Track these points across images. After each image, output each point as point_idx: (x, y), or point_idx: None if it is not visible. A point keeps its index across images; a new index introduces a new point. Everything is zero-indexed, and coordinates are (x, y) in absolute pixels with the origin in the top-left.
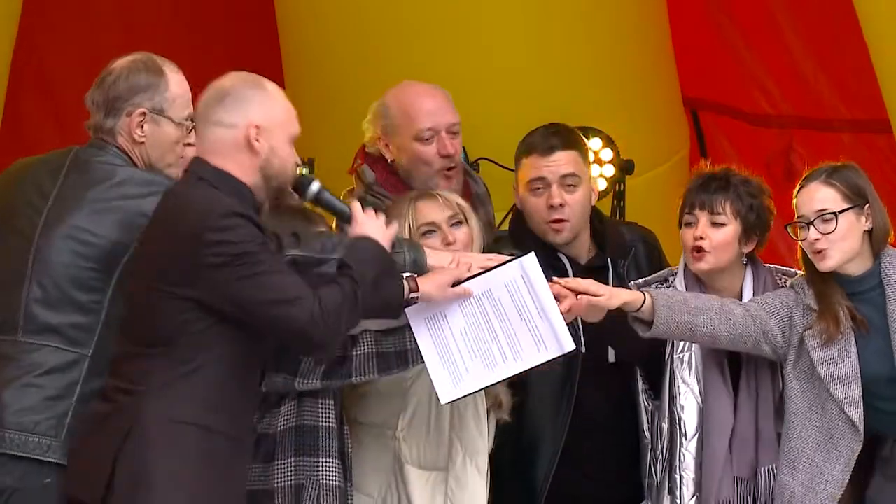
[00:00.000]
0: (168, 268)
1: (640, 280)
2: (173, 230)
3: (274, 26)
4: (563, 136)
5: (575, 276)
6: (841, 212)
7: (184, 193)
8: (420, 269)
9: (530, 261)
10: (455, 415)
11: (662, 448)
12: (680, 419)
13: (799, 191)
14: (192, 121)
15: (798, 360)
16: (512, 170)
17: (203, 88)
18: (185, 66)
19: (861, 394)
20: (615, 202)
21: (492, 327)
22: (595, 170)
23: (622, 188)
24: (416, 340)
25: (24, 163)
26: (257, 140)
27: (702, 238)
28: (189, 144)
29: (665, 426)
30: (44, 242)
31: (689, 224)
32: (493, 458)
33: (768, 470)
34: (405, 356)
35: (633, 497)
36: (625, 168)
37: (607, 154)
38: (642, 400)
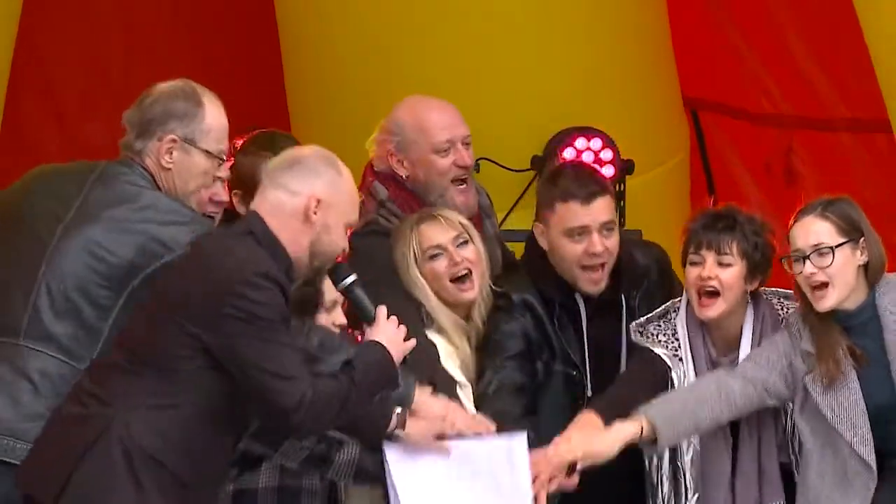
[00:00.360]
0: (190, 303)
1: (643, 319)
2: (209, 272)
3: (274, 26)
4: (599, 181)
5: (588, 313)
6: (837, 246)
7: (229, 241)
8: (406, 403)
9: (520, 443)
10: None
11: (664, 497)
12: (684, 473)
13: (794, 224)
14: (224, 155)
15: (805, 404)
16: (512, 170)
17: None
18: (185, 66)
19: (870, 432)
20: (615, 203)
21: (459, 491)
22: None
23: (622, 189)
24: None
25: (43, 170)
26: (315, 212)
27: (710, 278)
28: (218, 178)
29: (666, 479)
30: (59, 251)
31: (695, 263)
32: None
33: None
34: (381, 478)
35: None
36: (625, 168)
37: (607, 154)
38: None
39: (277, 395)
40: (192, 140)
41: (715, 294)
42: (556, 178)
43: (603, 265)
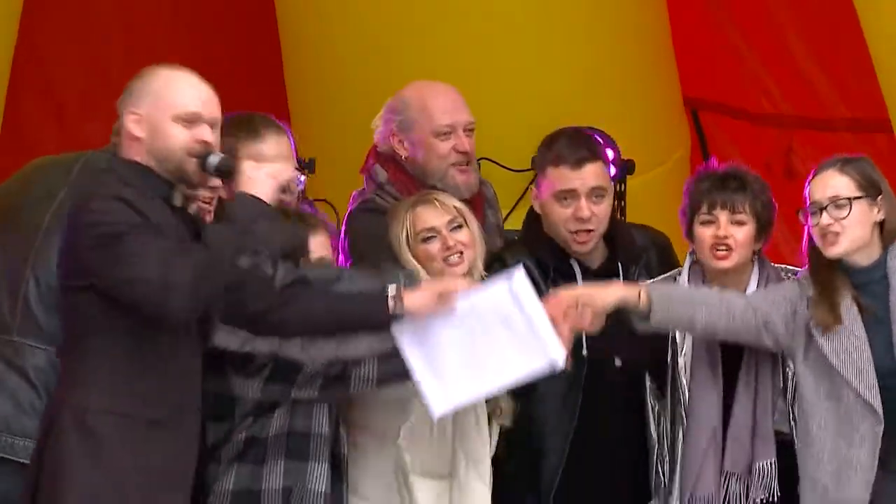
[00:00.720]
0: (63, 259)
1: (648, 282)
2: (69, 226)
3: (274, 26)
4: (591, 148)
5: (584, 281)
6: (854, 199)
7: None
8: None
9: (519, 279)
10: (456, 423)
11: (670, 449)
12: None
13: (812, 178)
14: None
15: (808, 352)
16: (512, 170)
17: None
18: (185, 66)
19: (875, 378)
20: (616, 202)
21: (479, 341)
22: None
23: (623, 188)
24: (406, 357)
25: (38, 163)
26: (134, 125)
27: (725, 237)
28: None
29: (669, 428)
30: (45, 243)
31: (707, 223)
32: (499, 464)
33: (764, 465)
34: (405, 375)
35: (641, 498)
36: (625, 168)
37: (608, 154)
38: (649, 400)
39: (148, 298)
40: None
41: (729, 250)
42: (551, 141)
43: (590, 231)
